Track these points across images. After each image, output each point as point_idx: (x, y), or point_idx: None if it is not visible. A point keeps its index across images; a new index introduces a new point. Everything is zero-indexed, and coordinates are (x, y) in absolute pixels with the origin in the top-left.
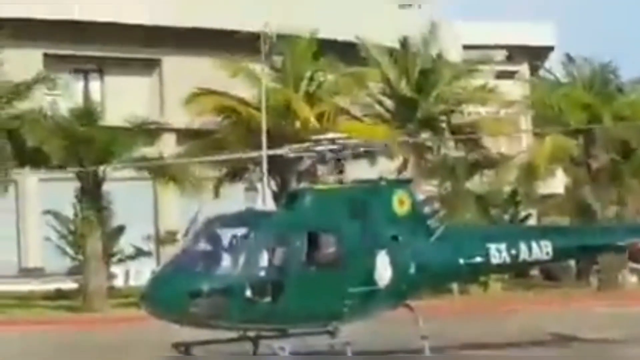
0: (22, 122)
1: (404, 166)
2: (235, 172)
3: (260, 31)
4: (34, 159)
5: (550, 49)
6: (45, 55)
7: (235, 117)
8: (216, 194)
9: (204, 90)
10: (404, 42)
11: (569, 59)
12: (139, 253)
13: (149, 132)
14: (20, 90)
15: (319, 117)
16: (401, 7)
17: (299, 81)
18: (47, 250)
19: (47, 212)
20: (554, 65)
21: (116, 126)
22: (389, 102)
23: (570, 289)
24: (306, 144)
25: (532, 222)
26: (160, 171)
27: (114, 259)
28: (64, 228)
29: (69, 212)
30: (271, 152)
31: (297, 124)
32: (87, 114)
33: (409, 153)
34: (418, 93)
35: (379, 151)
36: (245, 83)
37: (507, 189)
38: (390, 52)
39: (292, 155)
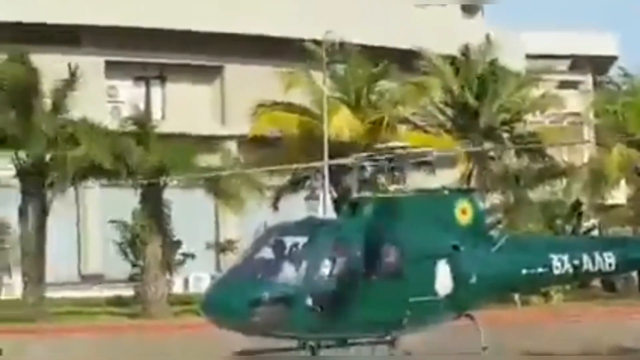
0: (78, 131)
1: (467, 176)
2: (297, 181)
3: (322, 40)
4: (95, 167)
5: (613, 58)
6: (107, 62)
7: (296, 127)
8: (275, 205)
9: (265, 101)
10: (466, 51)
11: (624, 71)
12: (186, 256)
13: (210, 140)
14: None
15: (380, 126)
16: (464, 14)
17: (359, 90)
18: (107, 257)
19: (113, 221)
20: (616, 75)
21: (176, 133)
22: (450, 112)
23: (632, 301)
24: (368, 153)
25: (595, 232)
26: (219, 184)
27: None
28: (126, 235)
29: (129, 220)
30: (333, 161)
31: (356, 134)
32: (145, 123)
33: (472, 162)
34: (480, 102)
35: (442, 161)
36: (306, 92)
37: (571, 199)
38: (452, 61)
39: (354, 164)
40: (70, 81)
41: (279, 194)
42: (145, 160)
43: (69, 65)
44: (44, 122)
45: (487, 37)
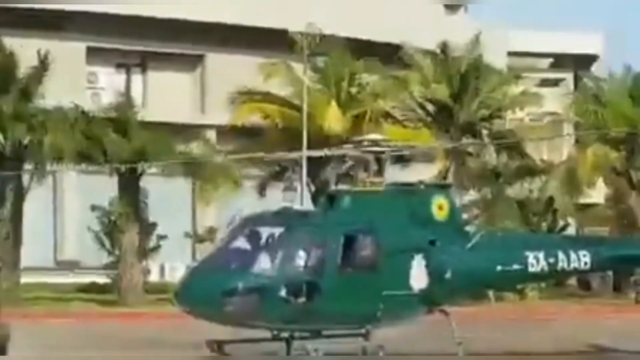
0: (46, 119)
1: (444, 171)
2: (275, 173)
3: (303, 31)
4: (74, 153)
5: (595, 57)
6: (89, 48)
7: (276, 118)
8: (261, 193)
9: (245, 90)
10: (444, 47)
11: (609, 72)
12: (160, 238)
13: (190, 128)
14: None
15: (360, 119)
16: (447, 10)
17: (339, 82)
18: (83, 243)
19: (94, 207)
20: (599, 74)
21: (157, 122)
22: (430, 107)
23: (607, 300)
24: (346, 146)
25: (570, 231)
26: (198, 171)
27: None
28: (103, 222)
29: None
30: (311, 152)
31: (337, 126)
32: (126, 110)
33: (450, 158)
34: (459, 98)
35: (420, 156)
36: (286, 82)
37: (548, 197)
38: (433, 56)
39: (332, 156)
40: (41, 68)
41: (264, 182)
42: (123, 147)
43: (38, 52)
44: (16, 107)
45: (477, 35)
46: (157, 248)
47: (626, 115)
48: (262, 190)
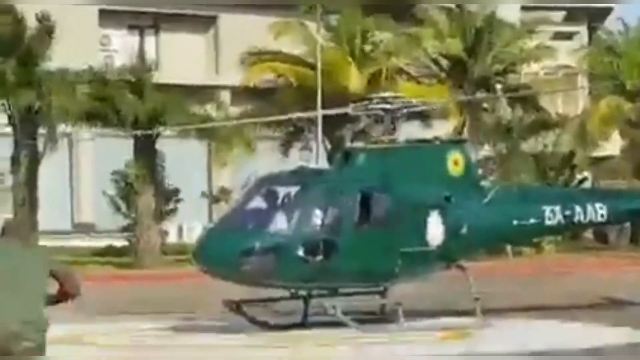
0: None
1: (460, 127)
2: (292, 133)
3: None
4: (89, 114)
5: (609, 9)
6: (101, 11)
7: (290, 77)
8: (285, 153)
9: (258, 50)
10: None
11: (623, 23)
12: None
13: (203, 90)
14: None
15: (374, 77)
16: None
17: (352, 40)
18: (99, 206)
19: (115, 172)
20: (612, 27)
21: (170, 84)
22: (444, 62)
23: (624, 253)
24: (361, 104)
25: (587, 184)
26: (213, 132)
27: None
28: (119, 184)
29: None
30: (326, 111)
31: (354, 84)
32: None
33: (465, 114)
34: (473, 53)
35: (435, 112)
36: (299, 41)
37: (563, 150)
38: (447, 11)
39: (347, 114)
40: (42, 28)
41: (286, 143)
42: (138, 109)
43: (36, 13)
44: (20, 71)
45: None
46: (174, 210)
47: (639, 65)
48: (285, 150)
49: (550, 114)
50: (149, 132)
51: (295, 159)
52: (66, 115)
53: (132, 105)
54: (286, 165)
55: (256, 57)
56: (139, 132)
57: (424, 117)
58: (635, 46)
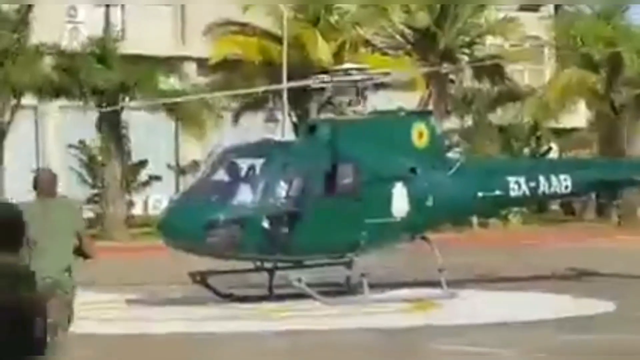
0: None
1: (427, 99)
2: (256, 103)
3: None
4: (54, 88)
5: None
6: None
7: (255, 50)
8: (235, 122)
9: (222, 22)
10: None
11: None
12: (152, 178)
13: (170, 61)
14: None
15: (340, 48)
16: None
17: (319, 11)
18: (67, 178)
19: (71, 146)
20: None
21: (136, 54)
22: (410, 34)
23: (590, 224)
24: (327, 75)
25: (553, 156)
26: (181, 107)
27: (133, 186)
28: (84, 157)
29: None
30: (292, 84)
31: (318, 55)
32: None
33: (431, 85)
34: (439, 25)
35: (400, 84)
36: (265, 12)
37: (529, 122)
38: None
39: (313, 86)
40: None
41: (239, 113)
42: (103, 80)
43: None
44: None
45: None
46: (146, 183)
47: (605, 37)
48: (236, 119)
49: (518, 86)
50: (115, 107)
51: (256, 129)
52: (27, 88)
53: (99, 77)
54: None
55: (223, 28)
56: (104, 106)
57: (389, 88)
58: (600, 18)
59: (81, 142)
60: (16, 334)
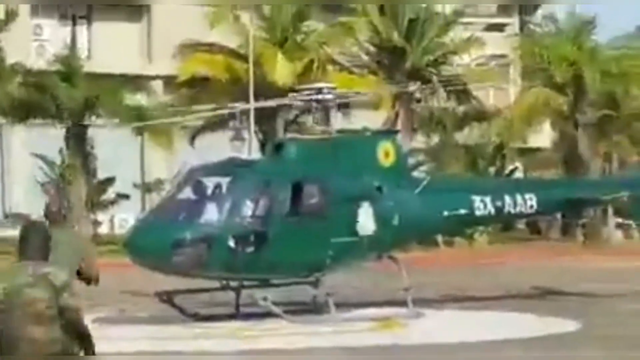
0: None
1: (393, 118)
2: (222, 122)
3: None
4: (21, 104)
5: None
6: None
7: (222, 70)
8: (191, 143)
9: (190, 43)
10: None
11: (552, 17)
12: (120, 197)
13: (137, 79)
14: None
15: (307, 67)
16: None
17: (286, 31)
18: (32, 196)
19: (36, 155)
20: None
21: (103, 73)
22: (377, 53)
23: (555, 243)
24: (293, 95)
25: (518, 175)
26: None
27: (99, 204)
28: (51, 173)
29: (55, 160)
30: (259, 104)
31: (284, 75)
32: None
33: (398, 104)
34: (406, 43)
35: (367, 103)
36: (233, 31)
37: (494, 141)
38: (379, 1)
39: (279, 106)
40: None
41: (195, 133)
42: (69, 98)
43: None
44: None
45: None
46: (114, 202)
47: (569, 59)
48: (192, 140)
49: (483, 105)
50: (80, 123)
51: (222, 148)
52: None
53: (64, 95)
54: (216, 155)
55: (191, 48)
56: (69, 123)
57: (354, 108)
58: (564, 39)
59: (38, 155)
60: None
